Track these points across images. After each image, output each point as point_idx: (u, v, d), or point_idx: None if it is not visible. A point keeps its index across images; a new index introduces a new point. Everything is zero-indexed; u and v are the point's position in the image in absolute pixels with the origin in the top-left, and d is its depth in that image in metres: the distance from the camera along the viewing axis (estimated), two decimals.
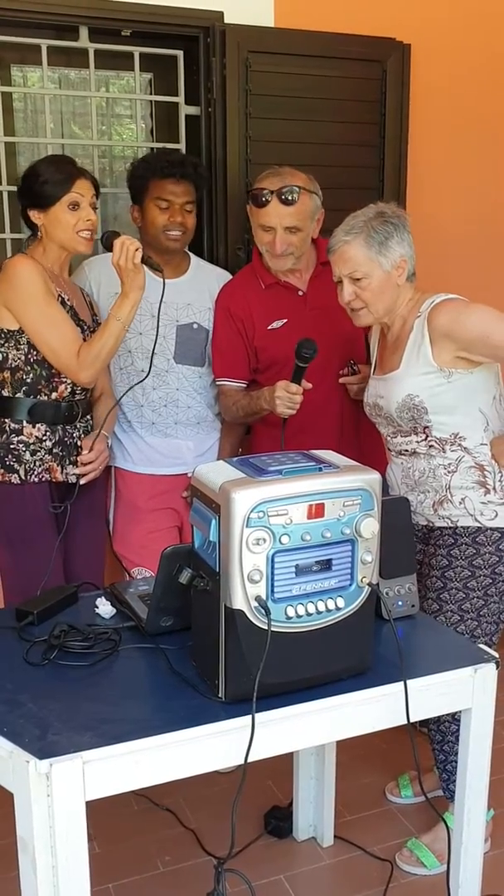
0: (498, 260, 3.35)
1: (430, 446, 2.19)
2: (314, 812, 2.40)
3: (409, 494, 2.22)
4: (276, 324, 2.58)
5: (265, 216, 2.46)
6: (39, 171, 2.29)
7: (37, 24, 2.72)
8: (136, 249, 2.19)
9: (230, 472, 1.50)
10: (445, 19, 3.10)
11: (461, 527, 2.19)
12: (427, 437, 2.18)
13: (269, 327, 2.58)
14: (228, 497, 1.42)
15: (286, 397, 2.34)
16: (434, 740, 2.33)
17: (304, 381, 2.34)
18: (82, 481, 2.36)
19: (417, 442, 2.20)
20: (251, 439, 2.76)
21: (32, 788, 1.35)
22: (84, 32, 2.79)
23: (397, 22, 2.99)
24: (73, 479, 2.39)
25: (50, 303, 2.27)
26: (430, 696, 1.63)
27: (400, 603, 1.85)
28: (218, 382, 2.70)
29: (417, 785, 2.58)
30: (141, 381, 2.48)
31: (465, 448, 2.17)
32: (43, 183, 2.26)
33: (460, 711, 1.74)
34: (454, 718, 2.19)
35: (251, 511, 1.42)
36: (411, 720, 1.57)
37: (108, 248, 2.24)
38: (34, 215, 2.30)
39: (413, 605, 1.88)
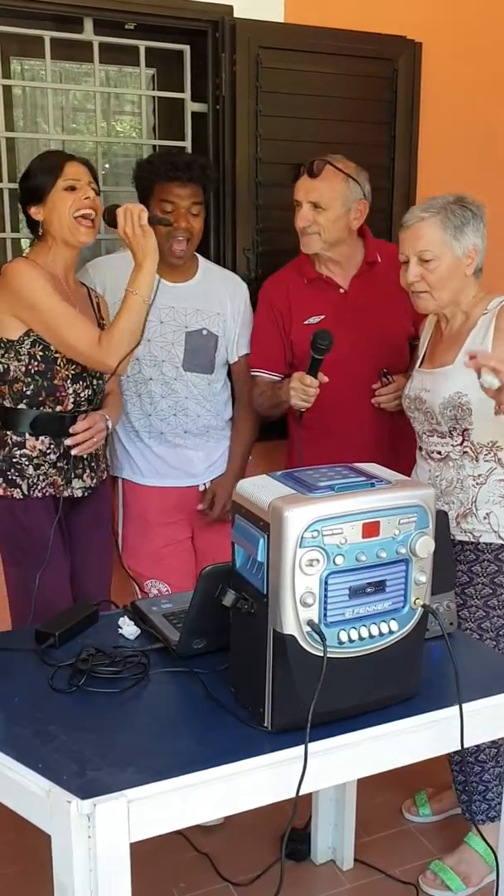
0: None
1: (465, 452, 2.12)
2: (334, 834, 2.32)
3: None
4: (313, 319, 2.51)
5: (295, 191, 2.44)
6: (31, 168, 2.23)
7: (40, 16, 2.61)
8: (141, 211, 2.11)
9: (278, 489, 1.41)
10: (457, 18, 3.04)
11: (483, 543, 2.12)
12: (464, 440, 2.11)
13: (306, 322, 2.51)
14: (281, 515, 1.33)
15: (300, 389, 2.29)
16: (453, 761, 2.27)
17: (320, 374, 2.28)
18: (74, 451, 2.24)
19: (452, 445, 2.13)
20: (288, 439, 2.67)
21: (73, 830, 1.25)
22: (89, 25, 2.69)
23: (409, 20, 2.93)
24: (78, 494, 2.29)
25: (55, 298, 2.17)
26: (480, 721, 1.55)
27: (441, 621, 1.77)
28: (252, 373, 2.63)
29: (435, 803, 2.52)
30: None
31: (499, 459, 2.10)
32: (35, 176, 2.19)
33: None
34: None
35: (305, 530, 1.33)
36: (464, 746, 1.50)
37: (111, 222, 2.15)
38: (34, 212, 2.21)
39: (451, 623, 1.81)
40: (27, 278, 2.15)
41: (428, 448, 2.21)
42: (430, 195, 3.08)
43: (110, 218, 2.15)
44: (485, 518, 2.12)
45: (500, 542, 2.12)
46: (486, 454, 2.10)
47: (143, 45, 2.76)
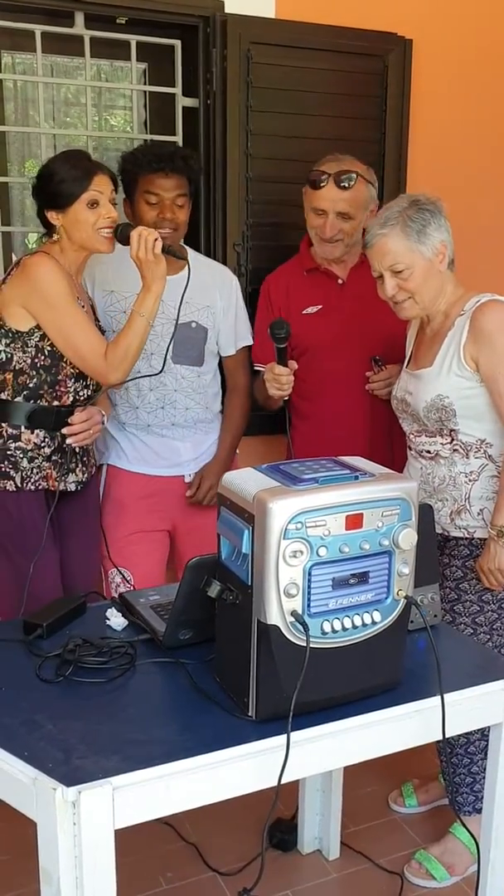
0: (499, 255, 3.31)
1: (455, 450, 2.13)
2: (320, 824, 2.34)
3: (427, 501, 2.17)
4: (311, 309, 2.55)
5: (319, 199, 2.43)
6: (55, 170, 2.17)
7: (31, 9, 2.62)
8: (156, 239, 2.13)
9: (263, 481, 1.43)
10: (447, 15, 3.05)
11: (478, 538, 2.14)
12: (453, 440, 2.13)
13: (304, 312, 2.55)
14: (265, 507, 1.35)
15: (271, 378, 2.34)
16: (442, 752, 2.28)
17: (290, 361, 2.33)
18: (69, 441, 2.26)
19: (442, 444, 2.15)
20: (292, 432, 2.66)
21: (59, 817, 1.27)
22: (80, 19, 2.69)
23: (399, 17, 2.94)
24: (71, 488, 2.31)
25: (74, 304, 2.18)
26: (462, 710, 1.57)
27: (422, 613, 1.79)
28: (255, 367, 2.67)
29: (422, 793, 2.54)
30: (156, 374, 2.45)
31: (489, 456, 2.12)
32: (59, 182, 2.15)
33: None
34: None
35: (289, 522, 1.35)
36: (446, 736, 1.52)
37: (124, 241, 2.16)
38: (52, 216, 2.19)
39: (435, 615, 1.83)
40: (53, 277, 2.15)
41: (417, 448, 2.22)
42: (418, 191, 3.11)
43: (123, 237, 2.16)
44: (479, 514, 2.14)
45: None
46: (476, 451, 2.12)
47: (134, 39, 2.77)
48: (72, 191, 2.15)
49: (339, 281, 2.56)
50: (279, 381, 2.33)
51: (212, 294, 2.62)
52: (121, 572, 2.51)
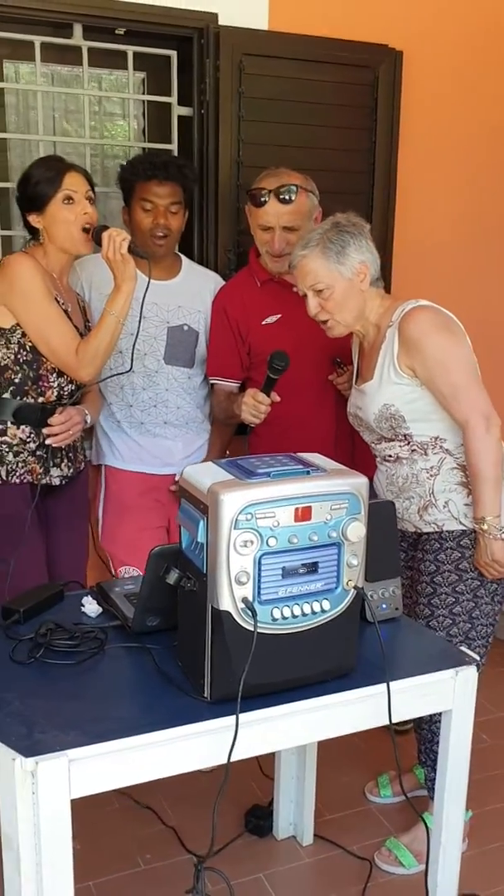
0: (487, 265, 3.38)
1: (413, 450, 2.22)
2: (294, 811, 2.42)
3: (395, 501, 2.24)
4: (270, 319, 2.61)
5: (264, 216, 2.49)
6: (30, 174, 2.30)
7: (31, 21, 2.72)
8: (123, 240, 2.21)
9: (218, 474, 1.51)
10: (438, 28, 3.13)
11: (446, 531, 2.21)
12: (409, 442, 2.21)
13: (263, 322, 2.61)
14: (217, 499, 1.43)
15: (251, 405, 2.39)
16: (424, 739, 2.35)
17: (273, 393, 2.38)
18: (49, 442, 2.34)
19: (400, 447, 2.23)
20: (252, 438, 2.75)
21: (18, 786, 1.36)
22: (78, 30, 2.79)
23: (391, 29, 3.02)
24: (55, 482, 2.40)
25: (49, 300, 2.28)
26: (410, 697, 1.65)
27: (384, 606, 1.87)
28: (211, 381, 2.72)
29: (397, 785, 2.61)
30: (125, 373, 2.51)
31: (446, 450, 2.20)
32: (35, 184, 2.27)
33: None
34: None
35: (239, 513, 1.43)
36: (393, 721, 1.59)
37: (99, 242, 2.26)
38: (33, 219, 2.31)
39: (396, 608, 1.90)
40: (29, 274, 2.26)
41: (380, 454, 2.31)
42: (407, 201, 3.19)
43: (97, 238, 2.27)
44: (444, 506, 2.21)
45: (462, 528, 2.20)
46: (433, 448, 2.20)
47: (130, 50, 2.86)
48: (46, 191, 2.27)
49: (295, 288, 2.58)
50: (258, 409, 2.38)
51: (205, 300, 2.71)
52: (118, 571, 2.61)
